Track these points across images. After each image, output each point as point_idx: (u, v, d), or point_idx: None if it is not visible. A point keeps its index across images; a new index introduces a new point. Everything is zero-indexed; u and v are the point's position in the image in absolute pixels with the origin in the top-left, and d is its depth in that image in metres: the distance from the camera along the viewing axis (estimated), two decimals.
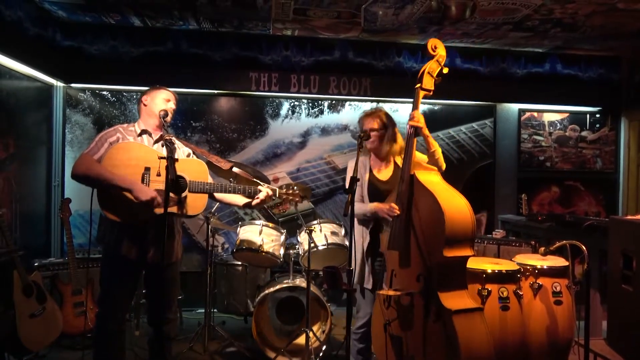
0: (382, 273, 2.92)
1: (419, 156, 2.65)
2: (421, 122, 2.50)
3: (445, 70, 2.52)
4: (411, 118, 2.51)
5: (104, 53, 4.56)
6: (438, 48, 2.53)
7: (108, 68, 4.54)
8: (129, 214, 2.43)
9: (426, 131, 2.54)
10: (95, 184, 2.41)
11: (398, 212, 2.49)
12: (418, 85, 2.52)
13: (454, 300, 2.30)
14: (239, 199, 2.74)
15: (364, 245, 2.84)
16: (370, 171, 2.90)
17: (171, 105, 2.63)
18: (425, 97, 2.53)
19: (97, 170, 2.39)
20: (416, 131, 2.52)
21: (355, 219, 2.86)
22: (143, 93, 2.66)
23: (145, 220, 2.44)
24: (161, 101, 2.60)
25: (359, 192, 2.85)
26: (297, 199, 2.73)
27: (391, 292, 2.45)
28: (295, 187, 2.77)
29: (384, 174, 2.88)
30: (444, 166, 2.64)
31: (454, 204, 2.31)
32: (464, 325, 2.23)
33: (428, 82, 2.50)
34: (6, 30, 3.54)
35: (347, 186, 2.44)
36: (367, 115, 2.87)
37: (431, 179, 2.46)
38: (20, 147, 3.88)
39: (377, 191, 2.82)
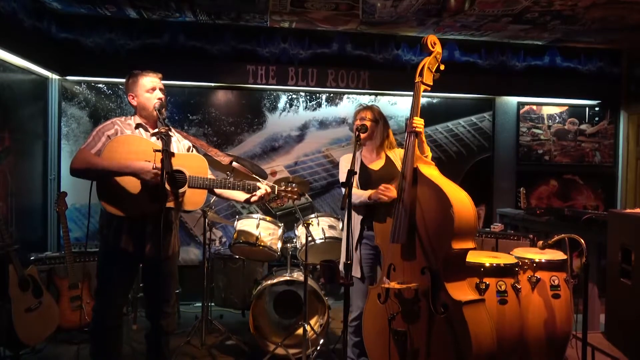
0: (373, 265, 2.91)
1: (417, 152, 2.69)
2: (420, 128, 2.57)
3: (442, 67, 2.60)
4: (411, 124, 2.57)
5: (100, 45, 4.52)
6: (436, 45, 2.60)
7: (104, 60, 4.49)
8: (132, 207, 2.40)
9: (423, 137, 2.62)
10: (95, 176, 2.38)
11: (392, 192, 2.56)
12: (419, 79, 2.57)
13: (460, 292, 2.34)
14: (238, 195, 2.71)
15: (355, 235, 2.87)
16: (362, 163, 2.98)
17: (158, 94, 2.51)
18: (424, 91, 2.59)
19: (95, 162, 2.36)
20: (415, 136, 2.57)
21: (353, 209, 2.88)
22: (126, 89, 2.56)
23: (147, 213, 2.41)
24: (147, 93, 2.50)
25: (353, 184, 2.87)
26: (295, 197, 2.72)
27: (397, 285, 2.44)
28: (294, 185, 2.77)
29: (376, 164, 2.97)
30: None
31: (459, 197, 2.37)
32: (473, 316, 2.27)
33: (428, 77, 2.58)
34: (0, 22, 3.50)
35: (342, 180, 2.44)
36: (362, 107, 3.02)
37: (433, 173, 2.51)
38: (16, 140, 3.85)
39: (369, 180, 2.88)
